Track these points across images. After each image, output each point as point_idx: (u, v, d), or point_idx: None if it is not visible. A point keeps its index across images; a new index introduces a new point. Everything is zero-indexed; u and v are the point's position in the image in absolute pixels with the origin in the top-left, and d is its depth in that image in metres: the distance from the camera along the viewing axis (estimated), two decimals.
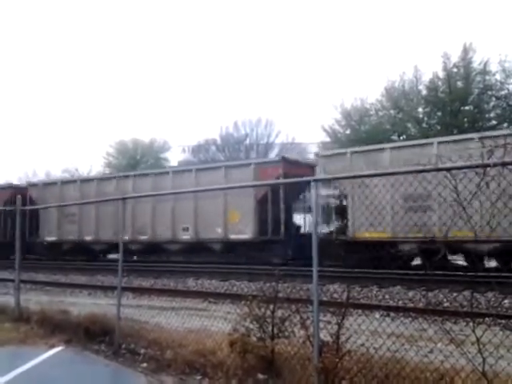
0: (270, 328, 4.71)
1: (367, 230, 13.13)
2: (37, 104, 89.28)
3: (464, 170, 3.63)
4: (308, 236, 13.60)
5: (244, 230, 16.36)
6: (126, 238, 16.91)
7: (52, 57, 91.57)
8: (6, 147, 69.90)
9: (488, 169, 3.37)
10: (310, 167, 16.48)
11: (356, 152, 15.08)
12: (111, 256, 21.09)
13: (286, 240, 16.00)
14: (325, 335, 4.19)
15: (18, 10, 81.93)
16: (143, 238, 18.74)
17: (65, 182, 23.07)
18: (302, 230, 17.53)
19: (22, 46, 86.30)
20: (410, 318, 7.62)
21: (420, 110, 28.18)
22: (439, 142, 13.60)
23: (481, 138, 11.52)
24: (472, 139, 11.99)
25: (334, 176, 6.04)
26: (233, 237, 16.68)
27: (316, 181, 4.37)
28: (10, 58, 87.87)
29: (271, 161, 18.16)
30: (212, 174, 17.38)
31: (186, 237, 17.83)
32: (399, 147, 14.74)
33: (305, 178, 4.71)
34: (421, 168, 3.87)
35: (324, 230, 15.33)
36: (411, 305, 9.41)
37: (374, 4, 71.06)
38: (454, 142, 13.32)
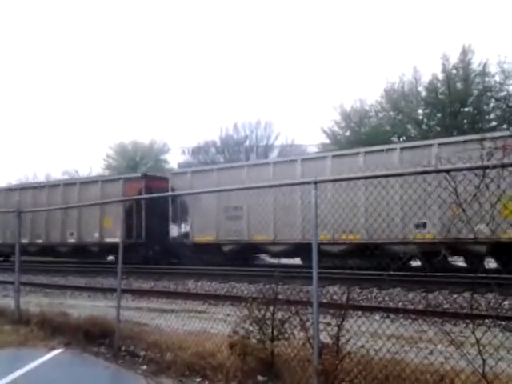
0: (269, 330, 4.71)
1: (201, 234, 17.40)
2: (37, 106, 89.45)
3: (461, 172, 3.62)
4: (177, 240, 17.52)
5: (116, 233, 18.14)
6: (25, 241, 19.66)
7: (52, 59, 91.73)
8: (7, 149, 69.88)
9: (487, 170, 3.37)
10: (167, 181, 19.64)
11: (195, 172, 19.11)
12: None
13: (147, 243, 19.42)
14: (325, 337, 4.19)
15: (19, 10, 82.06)
16: (39, 241, 21.93)
17: None
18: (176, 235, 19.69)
19: (22, 47, 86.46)
20: (409, 320, 7.62)
21: (420, 111, 28.21)
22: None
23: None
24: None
25: (335, 178, 6.05)
26: (108, 240, 19.60)
27: (316, 183, 4.36)
28: (10, 60, 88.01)
29: (135, 177, 21.12)
30: (92, 187, 20.94)
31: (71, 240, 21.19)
32: (225, 168, 19.02)
33: (306, 180, 4.71)
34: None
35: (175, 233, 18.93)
36: (411, 306, 9.40)
37: (374, 6, 71.21)
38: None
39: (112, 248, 17.93)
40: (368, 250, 13.43)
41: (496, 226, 9.25)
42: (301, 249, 14.66)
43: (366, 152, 14.72)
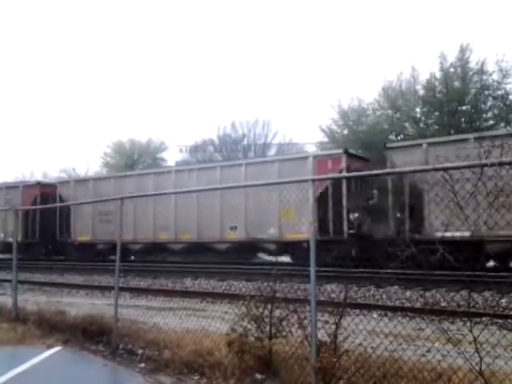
0: (267, 328, 4.71)
1: (81, 235, 21.71)
2: (34, 104, 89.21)
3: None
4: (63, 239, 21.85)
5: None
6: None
7: (50, 57, 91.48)
8: (3, 147, 69.73)
9: (485, 168, 3.38)
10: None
11: (77, 181, 23.66)
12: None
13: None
14: (322, 335, 4.19)
15: (18, 10, 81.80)
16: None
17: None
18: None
19: (20, 46, 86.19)
20: (407, 318, 7.61)
21: (417, 109, 28.20)
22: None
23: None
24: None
25: (332, 176, 6.07)
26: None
27: (313, 180, 4.37)
28: (8, 58, 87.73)
29: (31, 184, 24.83)
30: None
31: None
32: (99, 179, 23.72)
33: (304, 178, 4.72)
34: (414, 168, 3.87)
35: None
36: (409, 304, 9.42)
37: (372, 4, 71.20)
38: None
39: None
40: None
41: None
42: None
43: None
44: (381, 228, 15.16)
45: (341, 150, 16.42)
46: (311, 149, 34.78)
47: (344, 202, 15.10)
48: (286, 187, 11.43)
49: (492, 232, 8.02)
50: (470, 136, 13.78)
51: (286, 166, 16.43)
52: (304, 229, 13.54)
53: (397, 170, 11.75)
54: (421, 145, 14.61)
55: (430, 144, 14.47)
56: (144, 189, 18.67)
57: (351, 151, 17.34)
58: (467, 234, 11.28)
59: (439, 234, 11.42)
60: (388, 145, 16.20)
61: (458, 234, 10.38)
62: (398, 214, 14.73)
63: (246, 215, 16.81)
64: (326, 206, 15.24)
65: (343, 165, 15.39)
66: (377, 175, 11.59)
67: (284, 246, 16.74)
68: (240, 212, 16.85)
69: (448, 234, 11.56)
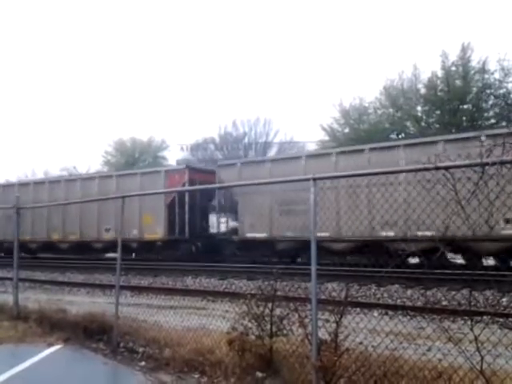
0: (268, 326, 4.71)
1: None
2: (35, 103, 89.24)
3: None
4: None
5: None
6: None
7: (51, 56, 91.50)
8: (5, 146, 69.78)
9: (487, 167, 3.37)
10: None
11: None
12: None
13: None
14: (323, 333, 4.19)
15: (18, 9, 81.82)
16: None
17: None
18: None
19: (21, 45, 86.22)
20: (408, 317, 7.62)
21: (419, 108, 28.17)
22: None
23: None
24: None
25: (334, 175, 6.07)
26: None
27: (315, 179, 4.35)
28: (9, 57, 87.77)
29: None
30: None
31: None
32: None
33: (305, 177, 4.71)
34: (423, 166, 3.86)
35: None
36: (409, 303, 9.42)
37: (373, 3, 71.06)
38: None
39: None
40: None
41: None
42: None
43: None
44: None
45: (184, 166, 20.05)
46: (312, 147, 34.81)
47: (187, 208, 18.72)
48: (146, 198, 17.59)
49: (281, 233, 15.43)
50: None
51: (146, 178, 19.71)
52: (158, 230, 19.02)
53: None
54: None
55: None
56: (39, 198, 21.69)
57: (193, 166, 22.25)
58: (264, 234, 16.24)
59: (248, 235, 16.85)
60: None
61: (258, 235, 16.50)
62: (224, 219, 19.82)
63: (116, 219, 17.97)
64: (173, 211, 18.81)
65: (186, 177, 18.71)
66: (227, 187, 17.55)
67: (145, 244, 19.54)
68: (112, 217, 18.90)
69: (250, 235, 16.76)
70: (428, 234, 11.69)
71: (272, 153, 39.88)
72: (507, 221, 11.79)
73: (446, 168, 3.58)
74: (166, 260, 18.13)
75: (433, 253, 12.40)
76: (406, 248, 12.33)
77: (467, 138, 12.15)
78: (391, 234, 13.50)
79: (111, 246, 19.60)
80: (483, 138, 12.69)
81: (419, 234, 11.78)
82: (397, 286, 11.11)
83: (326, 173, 5.92)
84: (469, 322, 3.64)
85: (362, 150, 15.01)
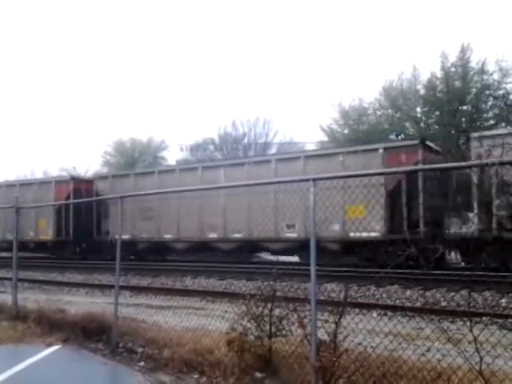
0: (267, 327, 4.71)
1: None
2: (35, 103, 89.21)
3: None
4: None
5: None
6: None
7: (51, 56, 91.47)
8: (4, 146, 69.74)
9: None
10: None
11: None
12: None
13: None
14: (322, 334, 4.19)
15: (18, 9, 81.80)
16: None
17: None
18: None
19: (21, 45, 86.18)
20: (407, 317, 7.63)
21: (418, 109, 28.20)
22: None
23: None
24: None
25: (334, 175, 6.05)
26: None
27: (314, 180, 4.37)
28: (9, 57, 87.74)
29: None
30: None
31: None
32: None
33: (305, 177, 4.71)
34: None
35: None
36: (408, 304, 9.43)
37: (373, 3, 71.13)
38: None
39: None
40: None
41: None
42: None
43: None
44: None
45: (69, 177, 23.16)
46: (312, 148, 34.79)
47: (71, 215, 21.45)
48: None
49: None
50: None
51: (40, 188, 22.18)
52: (49, 231, 21.75)
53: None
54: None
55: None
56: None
57: (77, 177, 25.24)
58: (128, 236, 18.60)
59: (116, 237, 17.86)
60: None
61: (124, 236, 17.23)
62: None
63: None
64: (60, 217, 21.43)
65: (71, 187, 21.52)
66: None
67: (40, 244, 22.25)
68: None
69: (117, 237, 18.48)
70: (238, 235, 16.62)
71: (271, 153, 39.81)
72: (288, 226, 15.69)
73: (447, 169, 3.58)
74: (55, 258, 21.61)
75: (241, 250, 17.49)
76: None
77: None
78: (215, 235, 17.39)
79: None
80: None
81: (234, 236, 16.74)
82: (396, 286, 11.11)
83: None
84: (468, 323, 3.65)
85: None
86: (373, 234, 13.91)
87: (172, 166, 28.63)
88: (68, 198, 21.04)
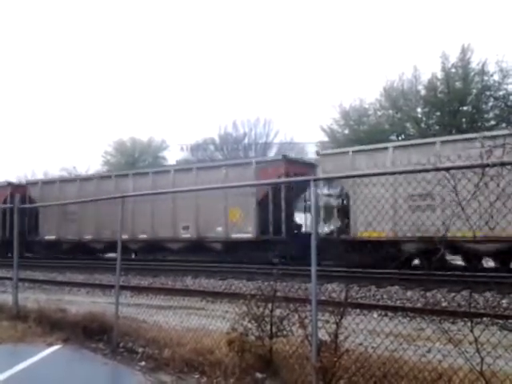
0: (268, 327, 4.71)
1: None
2: (35, 103, 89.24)
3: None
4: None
5: None
6: None
7: (51, 56, 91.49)
8: (5, 147, 69.74)
9: (487, 169, 3.37)
10: None
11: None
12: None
13: None
14: (323, 334, 4.19)
15: (18, 9, 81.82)
16: None
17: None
18: None
19: (21, 45, 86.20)
20: (408, 318, 7.62)
21: (419, 110, 28.17)
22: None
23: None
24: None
25: (334, 175, 6.05)
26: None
27: (315, 180, 4.37)
28: (9, 57, 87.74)
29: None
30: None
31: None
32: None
33: (305, 178, 4.72)
34: (421, 168, 3.86)
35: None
36: (409, 304, 9.41)
37: (374, 4, 71.11)
38: None
39: None
40: None
41: None
42: None
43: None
44: None
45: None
46: (312, 148, 34.78)
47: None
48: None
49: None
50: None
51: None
52: None
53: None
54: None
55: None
56: None
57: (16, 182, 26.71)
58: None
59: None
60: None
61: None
62: None
63: None
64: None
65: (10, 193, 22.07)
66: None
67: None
68: None
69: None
70: (144, 236, 19.11)
71: (272, 153, 39.80)
72: (183, 227, 17.97)
73: (447, 169, 3.59)
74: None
75: (147, 250, 19.94)
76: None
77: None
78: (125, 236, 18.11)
79: None
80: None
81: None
82: (397, 287, 11.11)
83: None
84: (469, 324, 3.64)
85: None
86: (247, 236, 16.67)
87: (109, 172, 31.53)
88: (5, 201, 22.42)
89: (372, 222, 11.34)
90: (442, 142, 13.54)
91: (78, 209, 20.40)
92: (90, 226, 20.85)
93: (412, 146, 14.54)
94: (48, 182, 24.58)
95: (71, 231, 21.71)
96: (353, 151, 15.08)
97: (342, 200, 15.73)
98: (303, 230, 18.46)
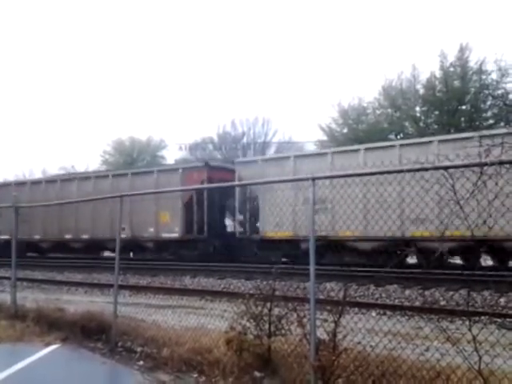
0: (266, 326, 4.71)
1: None
2: (34, 102, 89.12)
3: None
4: None
5: None
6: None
7: (50, 55, 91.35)
8: (3, 145, 69.62)
9: (485, 168, 3.37)
10: None
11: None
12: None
13: None
14: (321, 333, 4.19)
15: (18, 9, 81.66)
16: None
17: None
18: None
19: (21, 44, 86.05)
20: (406, 317, 7.63)
21: (417, 109, 28.19)
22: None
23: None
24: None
25: (333, 175, 6.07)
26: None
27: (314, 179, 4.36)
28: (9, 57, 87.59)
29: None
30: None
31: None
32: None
33: (305, 177, 4.71)
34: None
35: None
36: (408, 303, 9.43)
37: (372, 3, 71.11)
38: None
39: None
40: None
41: None
42: None
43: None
44: None
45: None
46: (311, 147, 34.82)
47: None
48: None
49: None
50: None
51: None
52: None
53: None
54: None
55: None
56: None
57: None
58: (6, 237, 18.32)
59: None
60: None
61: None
62: None
63: None
64: None
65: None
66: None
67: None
68: None
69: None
70: (86, 236, 20.46)
71: (270, 152, 39.79)
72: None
73: (446, 168, 3.59)
74: None
75: (90, 249, 21.29)
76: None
77: None
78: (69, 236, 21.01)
79: None
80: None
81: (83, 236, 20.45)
82: (395, 286, 11.12)
83: None
84: (467, 322, 3.64)
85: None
86: (174, 235, 18.29)
87: (55, 175, 31.32)
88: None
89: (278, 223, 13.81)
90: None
91: (31, 211, 20.53)
92: (39, 226, 21.71)
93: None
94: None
95: (24, 231, 21.47)
96: (261, 160, 17.56)
97: (254, 203, 17.56)
98: (228, 230, 20.38)
